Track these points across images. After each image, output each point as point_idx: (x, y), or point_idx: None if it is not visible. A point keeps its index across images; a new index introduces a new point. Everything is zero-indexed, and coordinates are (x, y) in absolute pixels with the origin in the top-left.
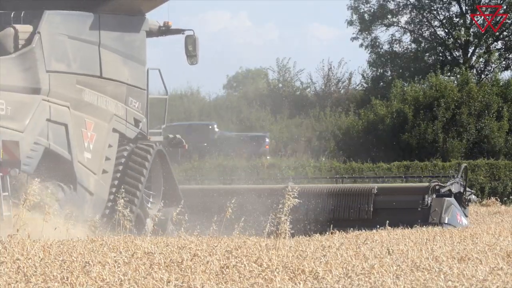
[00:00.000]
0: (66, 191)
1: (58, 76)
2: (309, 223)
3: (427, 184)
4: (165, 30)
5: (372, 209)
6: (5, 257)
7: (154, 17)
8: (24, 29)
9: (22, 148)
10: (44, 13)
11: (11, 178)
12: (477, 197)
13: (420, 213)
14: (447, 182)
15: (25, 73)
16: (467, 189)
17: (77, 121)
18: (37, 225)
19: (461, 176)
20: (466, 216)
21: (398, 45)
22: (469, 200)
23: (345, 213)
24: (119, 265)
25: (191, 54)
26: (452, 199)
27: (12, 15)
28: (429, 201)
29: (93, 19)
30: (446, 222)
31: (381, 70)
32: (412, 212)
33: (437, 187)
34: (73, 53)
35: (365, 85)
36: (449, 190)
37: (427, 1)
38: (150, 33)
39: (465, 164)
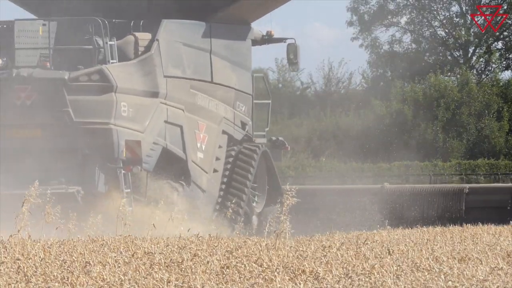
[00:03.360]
0: (182, 189)
1: (174, 81)
2: (405, 221)
3: None
4: (268, 39)
5: (464, 208)
6: (6, 257)
7: (258, 27)
8: (144, 37)
9: (143, 147)
10: (162, 21)
11: (133, 176)
12: None
13: (510, 212)
14: None
15: (145, 78)
16: None
17: (191, 123)
18: (156, 220)
19: None
20: None
21: (398, 45)
22: None
23: (439, 211)
24: (119, 265)
25: (293, 62)
26: None
27: (132, 24)
28: None
29: (205, 28)
30: None
31: (381, 70)
32: (502, 210)
33: None
34: (187, 60)
35: (365, 85)
36: None
37: (427, 1)
38: (255, 42)
39: None
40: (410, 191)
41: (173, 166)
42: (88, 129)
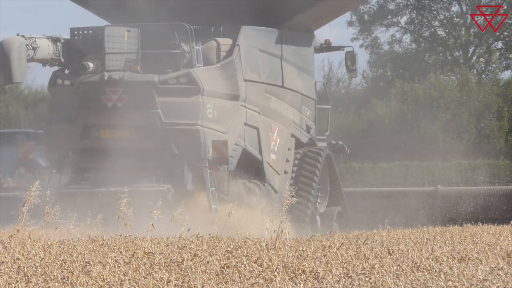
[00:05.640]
0: (260, 189)
1: (252, 85)
2: (460, 219)
3: None
4: (326, 47)
5: None
6: (6, 257)
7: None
8: (225, 42)
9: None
10: (242, 28)
11: (216, 175)
12: None
13: None
14: None
15: (227, 81)
16: None
17: (265, 125)
18: (238, 218)
19: None
20: None
21: (398, 45)
22: None
23: (491, 211)
24: (119, 265)
25: (350, 69)
26: None
27: (212, 30)
28: None
29: (277, 35)
30: None
31: (381, 70)
32: None
33: None
34: (262, 65)
35: (365, 85)
36: None
37: (427, 1)
38: (315, 49)
39: None
40: (464, 193)
41: (250, 166)
42: (177, 130)
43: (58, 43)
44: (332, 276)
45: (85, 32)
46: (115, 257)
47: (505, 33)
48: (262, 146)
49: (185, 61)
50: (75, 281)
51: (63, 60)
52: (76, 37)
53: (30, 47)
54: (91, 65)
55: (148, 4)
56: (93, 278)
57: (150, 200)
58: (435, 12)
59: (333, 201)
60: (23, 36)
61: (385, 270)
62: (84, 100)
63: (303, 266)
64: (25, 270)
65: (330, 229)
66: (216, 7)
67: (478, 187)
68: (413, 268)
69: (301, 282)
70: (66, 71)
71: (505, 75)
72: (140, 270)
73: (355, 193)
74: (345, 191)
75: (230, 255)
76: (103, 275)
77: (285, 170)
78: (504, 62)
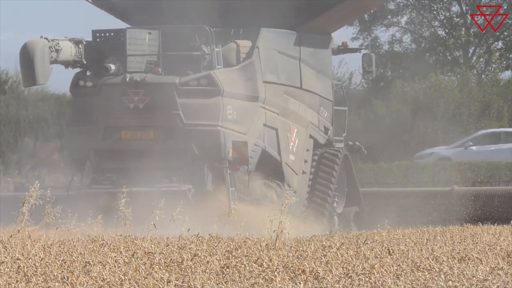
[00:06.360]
0: (280, 189)
1: (271, 86)
2: (474, 222)
3: None
4: (343, 49)
5: None
6: (5, 257)
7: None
8: (244, 44)
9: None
10: (261, 30)
11: (236, 175)
12: None
13: None
14: None
15: (247, 83)
16: None
17: (284, 126)
18: (257, 219)
19: None
20: None
21: (398, 45)
22: None
23: (507, 212)
24: (119, 265)
25: (367, 71)
26: None
27: (231, 32)
28: None
29: (295, 37)
30: None
31: (381, 70)
32: None
33: None
34: (281, 66)
35: (365, 85)
36: None
37: (427, 1)
38: (332, 51)
39: None
40: (480, 193)
41: (270, 167)
42: (197, 131)
43: (80, 45)
44: (332, 276)
45: (107, 34)
46: (115, 257)
47: (505, 33)
48: (281, 146)
49: (206, 63)
50: (75, 281)
51: (85, 62)
52: (98, 39)
53: (53, 49)
54: (112, 67)
55: (169, 6)
56: (93, 278)
57: (171, 200)
58: (435, 12)
59: (350, 201)
60: (46, 38)
61: (385, 270)
62: (106, 102)
63: (303, 266)
64: (25, 270)
65: (347, 230)
66: (236, 9)
67: (496, 187)
68: (413, 268)
69: (301, 282)
70: (88, 73)
71: (505, 75)
72: (140, 270)
73: (372, 193)
74: (364, 191)
75: (230, 255)
76: (103, 275)
77: (303, 170)
78: (504, 62)
